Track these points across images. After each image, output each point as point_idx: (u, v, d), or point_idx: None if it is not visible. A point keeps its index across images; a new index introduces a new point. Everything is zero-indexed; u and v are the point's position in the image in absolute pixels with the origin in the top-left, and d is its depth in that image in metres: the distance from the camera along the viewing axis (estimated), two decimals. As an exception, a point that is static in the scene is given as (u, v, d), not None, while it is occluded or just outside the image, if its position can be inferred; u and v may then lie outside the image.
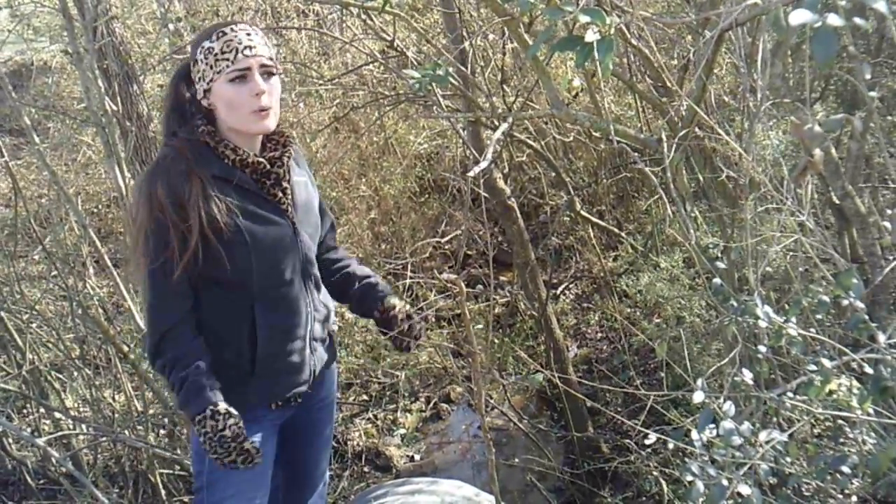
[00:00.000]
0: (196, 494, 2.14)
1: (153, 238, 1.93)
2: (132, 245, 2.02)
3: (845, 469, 1.84)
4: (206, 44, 1.97)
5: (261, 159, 2.03)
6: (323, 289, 2.28)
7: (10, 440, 3.89)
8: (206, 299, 2.04)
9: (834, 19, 1.15)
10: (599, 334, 5.81)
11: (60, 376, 4.29)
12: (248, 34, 1.97)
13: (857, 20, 1.17)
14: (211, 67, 1.96)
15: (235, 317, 2.05)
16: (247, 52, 1.94)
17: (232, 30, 1.97)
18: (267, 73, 1.99)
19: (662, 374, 3.97)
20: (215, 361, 2.05)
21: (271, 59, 2.00)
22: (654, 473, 3.62)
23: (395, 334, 2.26)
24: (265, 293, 2.05)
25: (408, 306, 2.31)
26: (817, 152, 1.29)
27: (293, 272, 2.10)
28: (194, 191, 1.91)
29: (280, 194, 2.07)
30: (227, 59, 1.94)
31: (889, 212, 1.53)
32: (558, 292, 6.22)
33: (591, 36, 1.32)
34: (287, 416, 2.24)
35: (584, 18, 1.33)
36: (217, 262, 1.97)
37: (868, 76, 1.33)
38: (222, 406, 1.92)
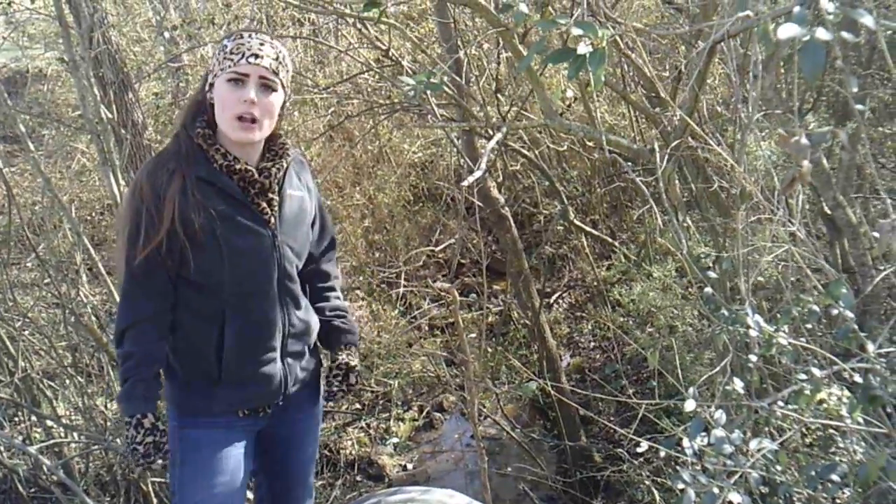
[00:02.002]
0: (173, 498, 2.15)
1: (130, 227, 1.97)
2: (118, 233, 2.05)
3: (835, 478, 1.85)
4: (225, 42, 2.02)
5: (249, 167, 2.03)
6: (306, 305, 2.25)
7: (2, 448, 3.87)
8: (180, 299, 2.06)
9: (822, 33, 1.16)
10: (592, 343, 5.83)
11: (52, 384, 4.27)
12: (262, 44, 1.99)
13: (845, 34, 1.19)
14: (218, 63, 2.01)
15: (206, 321, 2.06)
16: (251, 59, 1.96)
17: (250, 36, 2.01)
18: (265, 87, 2.00)
19: (655, 384, 3.98)
20: (185, 364, 2.08)
21: (275, 74, 2.00)
22: (646, 482, 3.63)
23: (326, 387, 2.34)
24: (236, 301, 2.05)
25: (348, 363, 2.35)
26: (805, 164, 1.30)
27: (268, 284, 2.08)
28: (173, 188, 1.94)
29: (264, 204, 2.05)
30: (231, 60, 1.97)
31: (880, 222, 1.55)
32: (551, 301, 6.23)
33: (583, 48, 1.33)
34: (260, 425, 2.22)
35: (576, 31, 1.35)
36: (190, 264, 1.98)
37: (856, 89, 1.34)
38: (148, 421, 1.99)
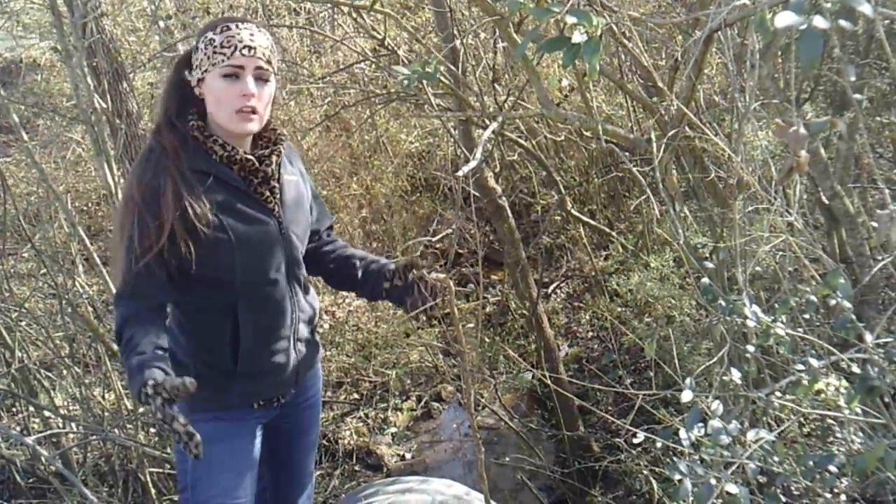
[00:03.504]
0: (181, 493, 2.14)
1: (129, 228, 1.92)
2: (114, 232, 2.02)
3: (832, 468, 1.85)
4: (210, 34, 1.96)
5: (249, 156, 2.01)
6: (310, 289, 2.26)
7: (-1, 439, 3.88)
8: (189, 298, 2.03)
9: (819, 21, 1.15)
10: (590, 333, 5.82)
11: (50, 374, 4.27)
12: (252, 35, 1.95)
13: (843, 22, 1.17)
14: (208, 58, 1.95)
15: (219, 316, 2.04)
16: (245, 51, 1.93)
17: (237, 26, 1.96)
18: (260, 77, 1.97)
19: (652, 374, 3.98)
20: (198, 363, 2.06)
21: (269, 63, 1.98)
22: (645, 472, 3.63)
23: (415, 297, 2.22)
24: (249, 292, 2.04)
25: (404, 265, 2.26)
26: (803, 153, 1.29)
27: (278, 272, 2.08)
28: (171, 185, 1.90)
29: (267, 193, 2.05)
30: (224, 54, 1.93)
31: (878, 212, 1.54)
32: (549, 291, 6.23)
33: (577, 37, 1.32)
34: (272, 415, 2.23)
35: (571, 19, 1.33)
36: (199, 260, 1.95)
37: (853, 78, 1.33)
38: (150, 385, 1.71)
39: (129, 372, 1.81)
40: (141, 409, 3.78)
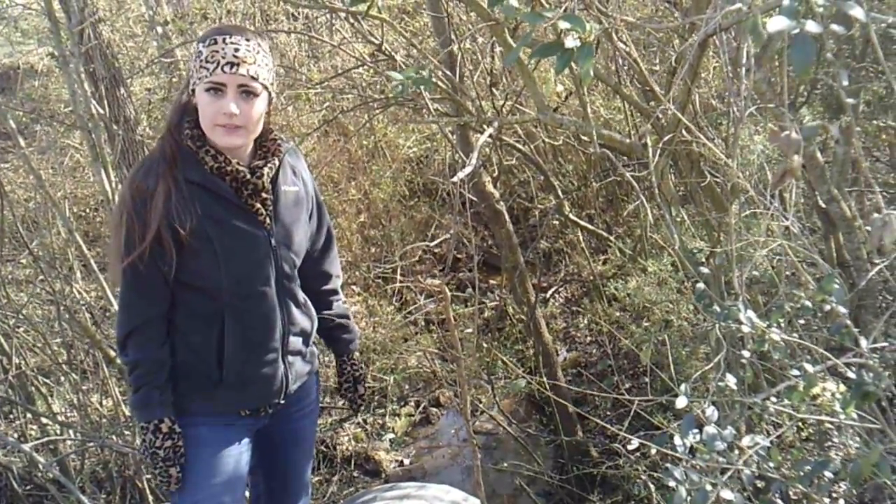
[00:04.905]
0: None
1: (119, 234, 1.94)
2: (111, 237, 2.03)
3: (829, 474, 1.84)
4: (200, 46, 1.94)
5: (240, 168, 1.99)
6: (304, 301, 2.24)
7: (-4, 446, 3.87)
8: (178, 303, 2.04)
9: (812, 26, 1.15)
10: (589, 338, 5.82)
11: (47, 381, 4.27)
12: (237, 49, 1.91)
13: (835, 27, 1.17)
14: (196, 71, 1.94)
15: (205, 324, 2.04)
16: (226, 68, 1.89)
17: (224, 40, 1.91)
18: (245, 93, 1.93)
19: (647, 380, 3.96)
20: (184, 365, 2.06)
21: (255, 78, 1.93)
22: (643, 477, 3.62)
23: (352, 399, 2.50)
24: (235, 303, 2.03)
25: (355, 375, 2.48)
26: (796, 158, 1.29)
27: (266, 285, 2.07)
28: (160, 192, 1.91)
29: (258, 205, 2.02)
30: (207, 69, 1.90)
31: (873, 216, 1.53)
32: (547, 296, 6.22)
33: (570, 42, 1.32)
34: (261, 423, 2.22)
35: (563, 25, 1.33)
36: (185, 268, 1.96)
37: (846, 82, 1.33)
38: (165, 425, 2.00)
39: (143, 395, 2.01)
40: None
